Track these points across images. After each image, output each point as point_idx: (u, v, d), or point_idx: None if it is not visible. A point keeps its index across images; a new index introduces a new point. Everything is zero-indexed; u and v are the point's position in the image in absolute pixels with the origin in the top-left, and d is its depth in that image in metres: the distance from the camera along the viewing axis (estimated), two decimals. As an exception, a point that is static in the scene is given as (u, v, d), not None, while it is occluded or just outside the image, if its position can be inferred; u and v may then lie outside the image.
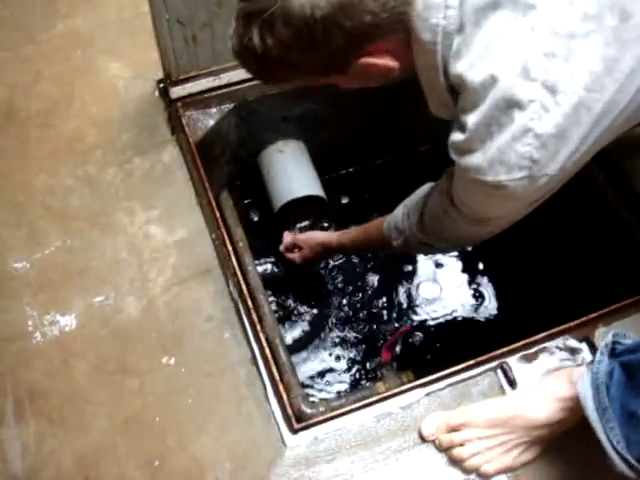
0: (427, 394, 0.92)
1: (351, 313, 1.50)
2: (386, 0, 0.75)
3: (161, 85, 1.26)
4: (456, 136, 0.80)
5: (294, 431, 0.89)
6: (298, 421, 0.90)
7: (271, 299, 1.48)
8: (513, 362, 0.93)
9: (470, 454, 0.85)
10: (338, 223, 1.61)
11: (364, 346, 1.45)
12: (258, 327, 0.98)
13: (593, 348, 0.94)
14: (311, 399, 0.98)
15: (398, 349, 1.41)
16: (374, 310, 1.50)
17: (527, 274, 1.46)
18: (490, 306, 1.51)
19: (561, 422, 0.83)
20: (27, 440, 0.89)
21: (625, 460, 0.72)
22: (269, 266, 1.57)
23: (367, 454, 0.88)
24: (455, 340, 1.44)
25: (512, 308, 1.47)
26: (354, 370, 1.42)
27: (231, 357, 0.96)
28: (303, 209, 1.45)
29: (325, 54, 0.79)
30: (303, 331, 1.47)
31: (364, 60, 0.81)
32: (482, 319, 1.49)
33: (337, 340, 1.46)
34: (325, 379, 1.40)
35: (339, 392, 1.37)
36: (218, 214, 1.10)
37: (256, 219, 1.63)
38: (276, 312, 1.46)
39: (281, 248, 1.46)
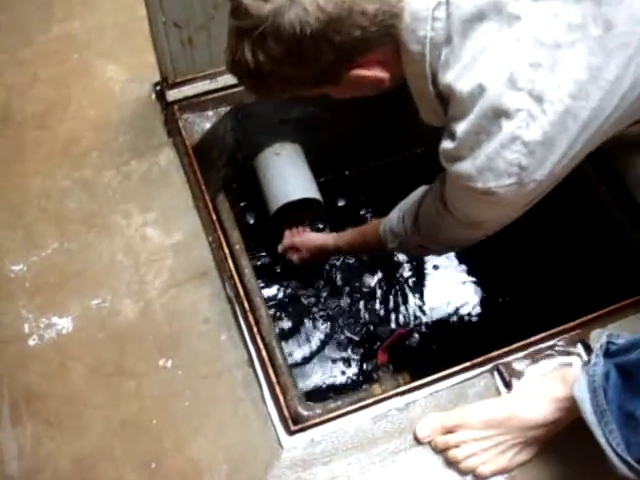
0: (423, 396, 0.92)
1: (347, 315, 1.50)
2: (375, 14, 0.76)
3: (158, 88, 1.26)
4: (446, 144, 0.82)
5: (291, 433, 0.90)
6: (295, 423, 0.91)
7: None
8: (509, 364, 0.94)
9: (465, 456, 0.85)
10: (334, 225, 1.61)
11: (360, 348, 1.45)
12: (255, 329, 0.98)
13: (588, 349, 0.94)
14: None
15: (394, 351, 1.41)
16: (370, 312, 1.50)
17: (523, 276, 1.46)
18: (485, 308, 1.51)
19: (556, 422, 0.83)
20: (24, 442, 0.89)
21: (625, 462, 0.73)
22: (266, 267, 1.57)
23: (363, 456, 0.88)
24: (451, 342, 1.44)
25: (508, 310, 1.48)
26: (350, 372, 1.42)
27: (228, 359, 0.96)
28: (299, 212, 1.45)
29: (316, 68, 0.81)
30: (298, 332, 1.47)
31: (355, 72, 0.82)
32: (477, 321, 1.49)
33: (333, 342, 1.46)
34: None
35: (335, 394, 1.37)
36: (215, 217, 1.11)
37: (252, 222, 1.63)
38: (273, 316, 1.46)
39: (279, 249, 1.47)
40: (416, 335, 1.47)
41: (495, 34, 0.74)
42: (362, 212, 1.65)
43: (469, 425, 0.86)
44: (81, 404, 0.93)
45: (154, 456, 0.88)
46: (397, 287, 1.54)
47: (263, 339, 0.99)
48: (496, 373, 0.93)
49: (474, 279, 1.55)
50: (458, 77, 0.76)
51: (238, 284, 1.02)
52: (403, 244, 1.11)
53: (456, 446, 0.86)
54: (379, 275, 1.55)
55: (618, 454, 0.73)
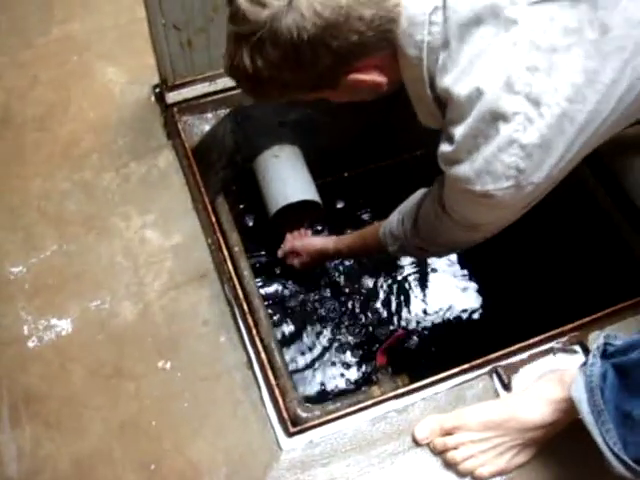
0: (422, 398, 0.92)
1: (346, 317, 1.50)
2: (371, 19, 0.76)
3: (157, 90, 1.26)
4: (444, 147, 0.82)
5: (290, 435, 0.90)
6: (294, 425, 0.91)
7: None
8: (507, 366, 0.94)
9: (464, 457, 0.86)
10: (333, 227, 1.61)
11: (359, 350, 1.45)
12: (254, 331, 0.98)
13: (587, 352, 0.94)
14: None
15: (393, 353, 1.42)
16: (369, 314, 1.51)
17: (521, 278, 1.46)
18: (484, 310, 1.51)
19: (554, 424, 0.84)
20: (23, 444, 0.89)
21: (622, 461, 0.73)
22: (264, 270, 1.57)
23: (362, 458, 0.88)
24: (450, 344, 1.44)
25: (506, 312, 1.48)
26: (349, 374, 1.42)
27: (227, 361, 0.97)
28: (298, 214, 1.46)
29: (314, 73, 0.81)
30: (297, 335, 1.47)
31: (353, 76, 0.83)
32: (476, 323, 1.50)
33: (332, 344, 1.46)
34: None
35: (334, 396, 1.38)
36: (214, 219, 1.11)
37: (251, 224, 1.63)
38: (271, 317, 1.46)
39: (279, 254, 1.47)
40: (415, 337, 1.47)
41: (492, 38, 0.74)
42: (361, 214, 1.65)
43: (467, 427, 0.86)
44: (80, 405, 0.93)
45: (153, 457, 0.88)
46: (395, 289, 1.54)
47: (262, 341, 0.99)
48: (494, 375, 0.94)
49: (472, 281, 1.55)
50: (456, 81, 0.77)
51: (237, 286, 1.03)
52: (403, 247, 1.12)
53: (455, 448, 0.86)
54: (377, 277, 1.55)
55: (615, 453, 0.73)
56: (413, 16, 0.77)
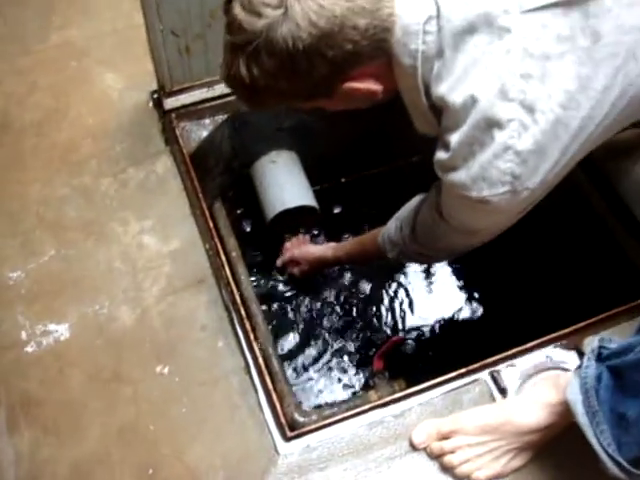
0: (419, 402, 0.93)
1: (343, 322, 1.50)
2: (366, 28, 0.77)
3: (155, 96, 1.27)
4: (440, 154, 0.83)
5: (287, 439, 0.90)
6: (291, 429, 0.91)
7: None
8: (503, 370, 0.94)
9: (460, 461, 0.86)
10: (330, 233, 1.62)
11: (356, 355, 1.45)
12: (251, 336, 0.99)
13: (582, 356, 0.95)
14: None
15: (390, 358, 1.42)
16: (366, 319, 1.51)
17: (516, 283, 1.47)
18: (481, 315, 1.51)
19: (551, 427, 0.84)
20: (21, 449, 0.89)
21: (617, 462, 0.73)
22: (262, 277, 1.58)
23: (359, 462, 0.88)
24: (446, 349, 1.44)
25: (502, 317, 1.48)
26: (346, 379, 1.42)
27: (225, 366, 0.97)
28: (296, 219, 1.46)
29: (310, 81, 0.82)
30: (295, 340, 1.48)
31: (348, 85, 0.83)
32: (473, 328, 1.50)
33: (329, 349, 1.46)
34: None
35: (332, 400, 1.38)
36: (211, 224, 1.11)
37: (249, 229, 1.63)
38: (269, 323, 1.46)
39: (279, 263, 1.48)
40: (411, 342, 1.47)
41: (486, 46, 0.75)
42: (358, 219, 1.65)
43: (464, 431, 0.87)
44: (79, 410, 0.93)
45: (151, 462, 0.89)
46: (392, 294, 1.54)
47: (260, 346, 0.99)
48: (491, 379, 0.94)
49: (469, 286, 1.55)
50: (451, 89, 0.77)
51: (235, 291, 1.03)
52: (402, 252, 1.12)
53: (451, 452, 0.87)
54: (374, 283, 1.56)
55: (609, 454, 0.74)
56: (407, 25, 0.78)
